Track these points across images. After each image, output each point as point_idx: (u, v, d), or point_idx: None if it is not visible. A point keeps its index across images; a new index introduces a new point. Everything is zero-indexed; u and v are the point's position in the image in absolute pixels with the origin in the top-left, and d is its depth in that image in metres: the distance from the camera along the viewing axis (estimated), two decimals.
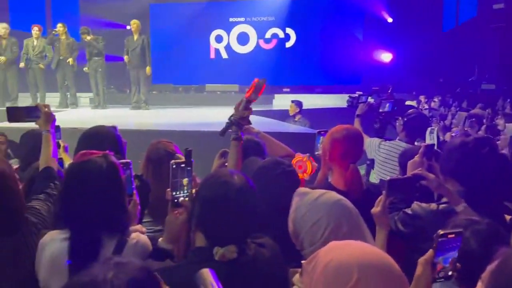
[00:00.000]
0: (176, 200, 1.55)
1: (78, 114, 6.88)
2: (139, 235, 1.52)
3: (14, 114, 2.06)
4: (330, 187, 2.01)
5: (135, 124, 5.91)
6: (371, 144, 3.22)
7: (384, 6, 11.10)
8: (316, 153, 2.29)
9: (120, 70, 10.03)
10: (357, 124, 3.26)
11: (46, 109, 1.99)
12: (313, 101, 9.40)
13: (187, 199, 1.56)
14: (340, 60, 11.09)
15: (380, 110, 3.45)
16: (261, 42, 11.73)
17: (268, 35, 11.66)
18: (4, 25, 7.99)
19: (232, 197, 1.32)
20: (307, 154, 2.10)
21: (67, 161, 2.45)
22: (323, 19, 11.31)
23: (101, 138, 2.05)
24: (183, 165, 1.57)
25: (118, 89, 10.97)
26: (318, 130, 2.35)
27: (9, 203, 1.48)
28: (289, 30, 11.54)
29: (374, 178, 3.33)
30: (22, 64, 8.06)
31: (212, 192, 1.36)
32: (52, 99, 8.55)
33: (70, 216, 1.45)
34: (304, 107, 6.94)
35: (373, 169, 3.32)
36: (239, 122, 1.97)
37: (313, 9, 11.39)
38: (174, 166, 1.55)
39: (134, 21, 8.01)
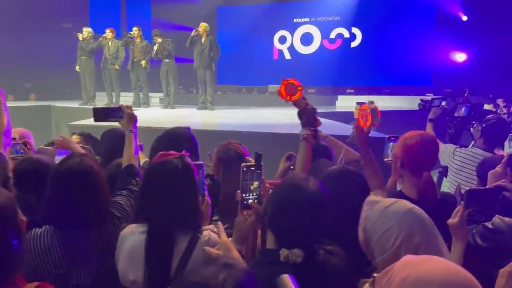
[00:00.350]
0: (245, 202, 1.60)
1: (150, 114, 7.25)
2: (210, 233, 1.58)
3: (99, 114, 2.21)
4: (401, 195, 1.94)
5: (202, 124, 6.10)
6: (445, 151, 3.06)
7: (458, 4, 10.46)
8: (386, 159, 2.22)
9: (188, 71, 10.43)
10: (429, 129, 3.12)
11: (129, 110, 2.13)
12: (379, 102, 9.06)
13: (256, 201, 1.60)
14: (409, 60, 10.64)
15: (456, 115, 3.27)
16: (326, 42, 11.60)
17: (332, 35, 11.50)
18: (89, 29, 8.69)
19: (304, 202, 1.34)
20: (373, 105, 2.03)
21: (142, 159, 2.60)
22: (392, 18, 10.92)
23: (178, 138, 2.15)
24: (253, 168, 1.61)
25: (185, 89, 11.42)
26: (388, 136, 2.28)
27: (97, 198, 1.61)
28: (355, 30, 11.30)
29: (447, 186, 3.17)
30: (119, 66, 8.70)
31: (286, 194, 1.39)
32: (126, 99, 9.11)
33: (147, 212, 1.55)
34: None
35: (446, 177, 3.16)
36: (302, 122, 1.99)
37: (381, 7, 11.04)
38: (244, 169, 1.59)
39: (202, 24, 8.27)
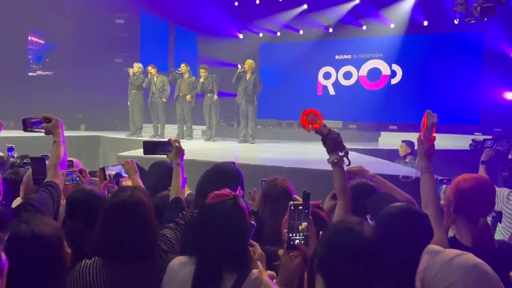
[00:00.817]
0: (292, 243, 1.55)
1: (193, 146, 7.39)
2: (259, 272, 1.56)
3: (149, 147, 2.30)
4: (454, 242, 1.84)
5: (243, 158, 6.14)
6: (499, 195, 2.91)
7: (507, 41, 10.19)
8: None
9: (229, 105, 10.68)
10: (481, 172, 2.99)
11: (177, 144, 2.19)
12: None
13: (303, 242, 1.56)
14: (455, 98, 10.38)
15: (510, 157, 3.12)
16: (366, 78, 11.61)
17: (375, 71, 11.53)
18: (139, 65, 9.17)
19: (358, 247, 1.28)
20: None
21: (186, 191, 2.64)
22: (436, 55, 10.82)
23: (225, 174, 2.18)
24: (301, 208, 1.57)
25: (226, 122, 11.66)
26: (440, 178, 2.19)
27: (146, 232, 1.64)
28: (395, 67, 11.29)
29: (500, 232, 2.98)
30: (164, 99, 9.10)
31: (338, 237, 1.34)
32: (170, 131, 9.40)
33: (198, 248, 1.56)
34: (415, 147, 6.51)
35: (500, 223, 2.98)
36: (327, 149, 1.96)
37: (424, 45, 10.99)
38: (292, 207, 1.55)
39: (248, 60, 8.50)
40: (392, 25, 11.20)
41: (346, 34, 11.76)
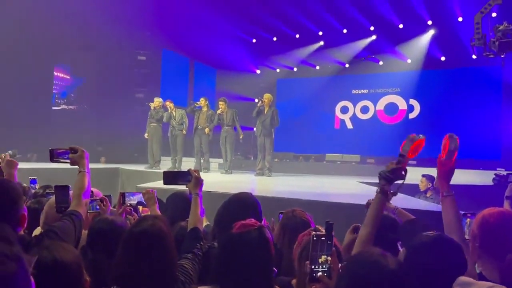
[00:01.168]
0: (314, 275, 1.51)
1: (210, 178, 7.41)
2: None
3: (169, 178, 2.32)
4: (481, 279, 1.77)
5: (260, 190, 6.10)
6: None
7: None
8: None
9: (245, 138, 10.74)
10: (506, 207, 2.89)
11: (196, 174, 2.21)
12: None
13: (325, 274, 1.51)
14: (475, 132, 10.23)
15: None
16: (384, 113, 11.61)
17: (391, 106, 11.53)
18: (160, 99, 9.46)
19: (383, 282, 1.23)
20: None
21: (204, 222, 2.64)
22: (454, 89, 10.80)
23: (244, 204, 2.18)
24: (323, 238, 1.53)
25: (243, 155, 11.71)
26: (463, 212, 2.14)
27: (166, 261, 1.63)
28: (412, 101, 11.27)
29: None
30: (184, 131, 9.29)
31: (362, 271, 1.28)
32: (187, 163, 9.46)
33: (222, 278, 1.55)
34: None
35: None
36: (386, 175, 1.81)
37: (442, 80, 11.00)
38: (315, 238, 1.52)
39: (266, 95, 8.64)
40: (409, 61, 11.28)
41: (362, 70, 11.89)
